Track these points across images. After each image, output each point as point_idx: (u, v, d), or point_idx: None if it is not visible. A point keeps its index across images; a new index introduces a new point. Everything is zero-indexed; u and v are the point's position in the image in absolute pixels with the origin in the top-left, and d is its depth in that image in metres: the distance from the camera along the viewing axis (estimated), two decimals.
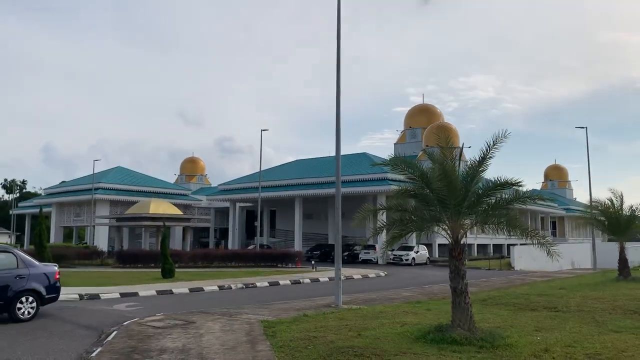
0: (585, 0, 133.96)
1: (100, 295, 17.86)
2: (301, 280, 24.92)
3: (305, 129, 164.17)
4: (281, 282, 23.90)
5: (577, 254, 49.05)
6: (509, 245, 58.90)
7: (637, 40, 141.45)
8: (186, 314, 13.15)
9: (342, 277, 28.10)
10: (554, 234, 77.61)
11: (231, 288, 21.50)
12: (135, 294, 18.64)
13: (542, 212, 69.36)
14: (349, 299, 16.45)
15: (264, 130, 40.61)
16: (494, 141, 9.04)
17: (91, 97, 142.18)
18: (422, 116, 68.13)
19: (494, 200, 9.39)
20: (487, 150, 9.13)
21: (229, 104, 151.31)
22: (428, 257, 45.51)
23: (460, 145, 53.37)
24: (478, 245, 53.22)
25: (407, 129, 68.86)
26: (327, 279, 26.32)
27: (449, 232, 9.57)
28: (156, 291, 19.43)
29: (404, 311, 13.30)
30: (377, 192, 43.62)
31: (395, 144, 69.28)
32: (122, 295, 18.29)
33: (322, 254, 45.11)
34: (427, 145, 61.96)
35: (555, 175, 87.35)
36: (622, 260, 22.63)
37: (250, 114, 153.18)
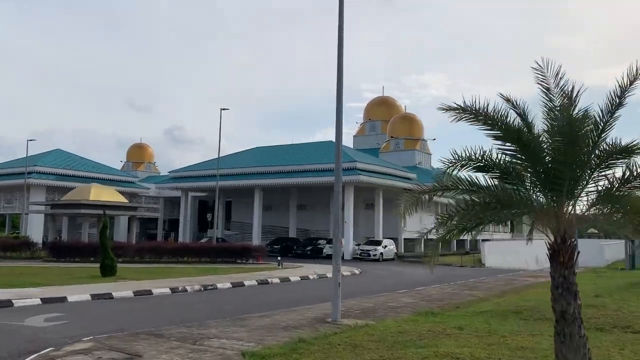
0: (538, 4, 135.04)
1: (14, 301, 13.54)
2: (269, 281, 21.15)
3: (264, 121, 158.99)
4: (246, 283, 20.06)
5: (540, 251, 47.32)
6: (473, 241, 57.10)
7: (584, 44, 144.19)
8: (128, 336, 9.21)
9: (314, 276, 24.88)
10: (511, 229, 76.54)
11: (187, 291, 17.53)
12: (63, 300, 14.41)
13: None
14: (340, 307, 12.80)
15: (224, 109, 36.41)
16: None
17: (35, 83, 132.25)
18: (381, 108, 65.74)
19: (621, 174, 5.98)
20: (630, 78, 5.62)
21: (181, 92, 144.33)
22: (395, 253, 42.63)
23: (424, 137, 50.91)
24: (425, 240, 50.73)
25: (366, 121, 66.29)
26: (299, 278, 22.76)
27: (551, 224, 6.10)
28: (91, 295, 15.23)
29: (431, 331, 9.84)
30: (345, 182, 40.18)
31: (354, 136, 66.70)
32: (44, 301, 14.03)
33: (283, 248, 41.43)
34: (391, 137, 59.51)
35: None
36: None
37: (203, 104, 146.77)
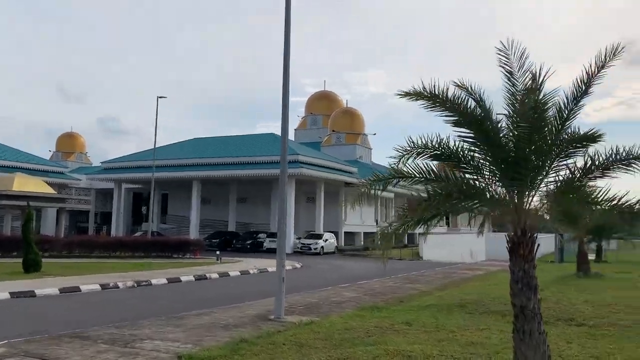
0: (476, 7, 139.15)
1: None
2: (208, 276, 20.31)
3: (203, 112, 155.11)
4: (183, 279, 19.13)
5: (474, 244, 48.74)
6: (410, 234, 58.04)
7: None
8: (49, 340, 8.29)
9: (255, 270, 24.20)
10: (447, 224, 78.45)
11: (118, 287, 16.46)
12: None
13: None
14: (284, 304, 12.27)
15: (160, 97, 34.86)
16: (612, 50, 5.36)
17: None
18: (323, 103, 65.68)
19: (582, 163, 5.76)
20: (598, 65, 5.39)
21: (115, 82, 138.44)
22: (336, 246, 42.56)
23: (365, 132, 51.16)
24: (365, 233, 51.11)
25: (308, 115, 65.97)
26: (239, 273, 22.02)
27: (511, 216, 5.81)
28: (10, 293, 13.92)
29: (379, 327, 9.50)
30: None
31: (296, 129, 66.20)
32: None
33: (222, 242, 40.41)
34: (333, 130, 59.46)
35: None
36: (582, 254, 20.67)
37: (139, 94, 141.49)
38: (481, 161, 6.09)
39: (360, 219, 50.17)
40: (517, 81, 5.77)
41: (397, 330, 9.27)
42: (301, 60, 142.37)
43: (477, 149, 6.02)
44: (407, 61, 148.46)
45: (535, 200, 5.87)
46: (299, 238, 41.72)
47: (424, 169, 6.14)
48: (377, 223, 48.16)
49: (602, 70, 5.50)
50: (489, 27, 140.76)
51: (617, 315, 10.55)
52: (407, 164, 6.37)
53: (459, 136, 6.01)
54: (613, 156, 5.66)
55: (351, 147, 55.63)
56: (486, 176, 6.08)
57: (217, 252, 28.52)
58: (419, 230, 6.47)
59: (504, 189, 5.96)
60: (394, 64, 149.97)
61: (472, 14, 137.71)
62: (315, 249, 39.17)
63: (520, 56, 5.65)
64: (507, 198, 5.86)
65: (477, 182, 6.03)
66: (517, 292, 5.78)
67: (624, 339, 8.69)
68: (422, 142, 6.35)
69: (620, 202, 5.31)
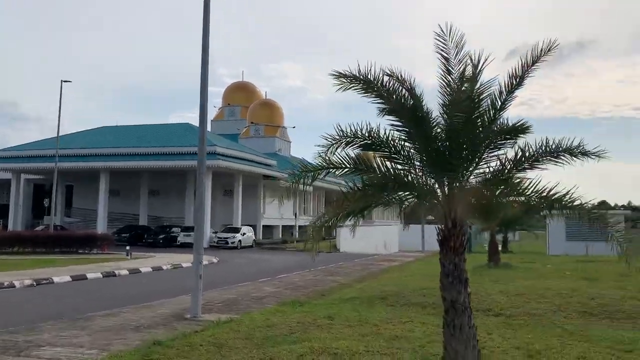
0: (385, 6, 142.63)
1: None
2: (117, 272, 19.08)
3: (113, 100, 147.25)
4: (90, 276, 17.84)
5: (387, 236, 50.02)
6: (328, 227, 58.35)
7: (422, 46, 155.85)
8: None
9: (168, 266, 23.10)
10: (362, 216, 79.85)
11: (14, 286, 15.00)
12: None
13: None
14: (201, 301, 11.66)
15: (65, 81, 32.43)
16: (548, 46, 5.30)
17: None
18: (241, 94, 64.55)
19: (512, 155, 5.71)
20: (534, 57, 5.31)
21: (13, 64, 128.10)
22: (254, 240, 41.93)
23: (285, 125, 50.83)
24: (284, 226, 51.01)
25: (225, 106, 64.57)
26: (151, 269, 20.92)
27: (442, 207, 5.66)
28: None
29: (301, 323, 9.17)
30: (197, 168, 38.34)
31: (212, 120, 64.58)
32: None
33: (132, 237, 38.53)
34: (251, 122, 58.51)
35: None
36: (494, 245, 21.48)
37: (42, 79, 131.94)
38: (412, 151, 5.89)
39: (279, 212, 49.80)
40: (453, 69, 5.60)
41: (320, 326, 8.98)
42: (218, 50, 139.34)
43: (408, 139, 5.81)
44: (325, 56, 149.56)
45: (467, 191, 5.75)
46: (216, 232, 40.65)
47: (357, 159, 5.85)
48: (296, 216, 48.01)
49: (536, 65, 5.47)
50: (410, 23, 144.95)
51: (530, 304, 10.92)
52: (336, 154, 6.06)
53: (392, 125, 5.77)
54: (543, 148, 5.66)
55: (270, 139, 55.07)
56: (417, 167, 5.89)
57: (127, 247, 27.01)
58: (349, 222, 6.18)
59: (434, 179, 5.80)
60: (312, 57, 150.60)
61: (383, 12, 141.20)
62: (233, 242, 38.34)
63: (457, 44, 5.48)
64: (438, 189, 5.70)
65: (409, 173, 5.82)
66: (447, 286, 5.65)
67: (539, 327, 8.96)
68: (351, 131, 6.05)
69: (549, 194, 5.30)
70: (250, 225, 42.98)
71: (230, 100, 64.66)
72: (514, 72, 5.54)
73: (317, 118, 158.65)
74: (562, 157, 5.67)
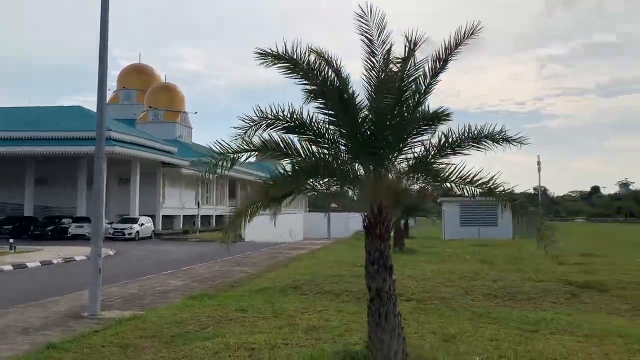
0: None
1: None
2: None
3: None
4: None
5: (292, 224, 50.17)
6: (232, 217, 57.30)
7: (332, 36, 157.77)
8: None
9: (59, 260, 21.26)
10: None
11: None
12: None
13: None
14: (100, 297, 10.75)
15: None
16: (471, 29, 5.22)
17: None
18: (139, 77, 61.61)
19: (436, 141, 5.64)
20: (459, 39, 5.22)
21: None
22: (153, 230, 40.12)
23: (186, 110, 49.15)
24: (185, 216, 49.53)
25: (120, 89, 61.18)
26: (39, 264, 19.18)
27: (368, 193, 5.47)
28: None
29: (213, 317, 8.69)
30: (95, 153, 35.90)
31: (106, 104, 60.67)
32: None
33: (16, 229, 35.38)
34: (150, 107, 55.78)
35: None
36: (400, 231, 21.97)
37: None
38: (337, 135, 5.65)
39: (180, 202, 48.10)
40: (377, 50, 5.41)
41: (233, 319, 8.56)
42: (112, 29, 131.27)
43: (334, 122, 5.55)
44: (226, 40, 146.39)
45: (392, 177, 5.62)
46: (111, 223, 38.30)
47: (282, 141, 5.51)
48: (199, 206, 46.58)
49: (459, 47, 5.41)
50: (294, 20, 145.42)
51: (438, 288, 11.21)
52: (260, 136, 5.67)
53: (317, 107, 5.49)
54: (465, 134, 5.65)
55: (170, 125, 52.93)
56: (341, 151, 5.66)
57: (11, 240, 24.58)
58: (270, 210, 5.82)
59: (360, 165, 5.60)
60: (212, 42, 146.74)
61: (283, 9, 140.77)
62: (130, 234, 36.41)
63: (379, 25, 5.28)
64: (364, 174, 5.51)
65: (335, 159, 5.57)
66: (373, 274, 5.49)
67: (450, 311, 9.17)
68: (272, 112, 5.69)
69: (473, 180, 5.29)
70: (149, 216, 41.06)
71: (126, 83, 61.36)
72: (437, 55, 5.46)
73: (218, 105, 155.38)
74: (484, 142, 5.70)
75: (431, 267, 14.66)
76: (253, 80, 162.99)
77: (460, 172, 5.37)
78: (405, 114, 5.34)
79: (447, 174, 5.41)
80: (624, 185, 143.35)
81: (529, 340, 6.97)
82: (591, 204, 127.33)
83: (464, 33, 5.31)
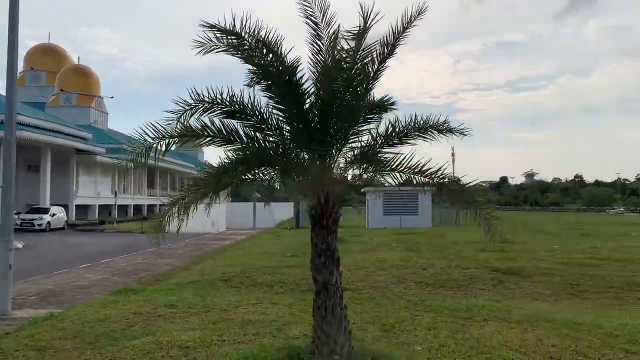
0: None
1: None
2: None
3: None
4: None
5: (215, 214, 49.17)
6: (150, 206, 55.40)
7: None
8: None
9: None
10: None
11: None
12: None
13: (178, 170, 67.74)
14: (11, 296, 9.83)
15: None
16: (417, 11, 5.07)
17: None
18: (48, 58, 57.75)
19: (383, 130, 5.50)
20: (406, 22, 5.05)
21: None
22: (66, 221, 37.83)
23: (101, 95, 46.57)
24: (100, 206, 47.31)
25: (27, 70, 57.00)
26: None
27: (314, 183, 5.23)
28: None
29: (140, 314, 8.15)
30: (2, 138, 33.20)
31: None
32: None
33: None
34: (61, 90, 52.40)
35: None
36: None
37: None
38: (281, 122, 5.36)
39: (95, 191, 45.70)
40: (322, 33, 5.16)
41: (162, 316, 8.08)
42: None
43: (278, 108, 5.25)
44: (144, 23, 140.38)
45: (340, 166, 5.42)
46: (18, 213, 35.58)
47: (222, 126, 5.14)
48: (116, 195, 44.43)
49: (407, 31, 5.26)
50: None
51: (371, 277, 11.24)
52: (200, 119, 5.27)
53: (262, 91, 5.15)
54: (412, 124, 5.55)
55: (84, 109, 50.09)
56: (286, 138, 5.38)
57: None
58: (207, 200, 5.45)
59: (306, 153, 5.35)
60: (129, 24, 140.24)
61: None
62: (40, 225, 34.13)
63: (321, 7, 5.01)
64: (310, 162, 5.27)
65: (280, 146, 5.28)
66: (320, 267, 5.29)
67: (385, 300, 9.19)
68: (210, 95, 5.30)
69: (423, 169, 5.20)
70: (62, 205, 38.68)
71: (34, 64, 57.24)
72: (385, 40, 5.29)
73: (137, 90, 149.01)
74: (430, 132, 5.63)
75: (361, 255, 14.73)
76: (175, 65, 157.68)
77: (409, 161, 5.26)
78: (354, 101, 5.13)
79: (395, 164, 5.28)
80: (530, 175, 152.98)
81: (465, 328, 7.07)
82: (500, 193, 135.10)
83: (411, 16, 5.17)
